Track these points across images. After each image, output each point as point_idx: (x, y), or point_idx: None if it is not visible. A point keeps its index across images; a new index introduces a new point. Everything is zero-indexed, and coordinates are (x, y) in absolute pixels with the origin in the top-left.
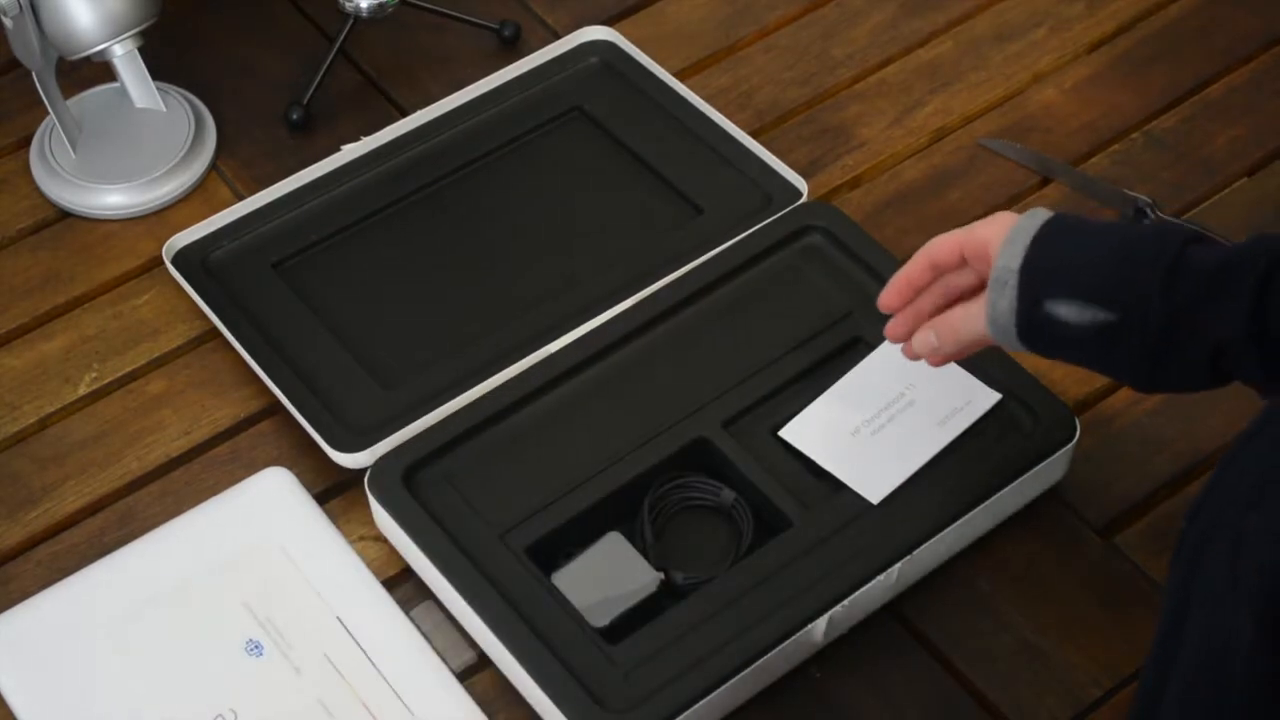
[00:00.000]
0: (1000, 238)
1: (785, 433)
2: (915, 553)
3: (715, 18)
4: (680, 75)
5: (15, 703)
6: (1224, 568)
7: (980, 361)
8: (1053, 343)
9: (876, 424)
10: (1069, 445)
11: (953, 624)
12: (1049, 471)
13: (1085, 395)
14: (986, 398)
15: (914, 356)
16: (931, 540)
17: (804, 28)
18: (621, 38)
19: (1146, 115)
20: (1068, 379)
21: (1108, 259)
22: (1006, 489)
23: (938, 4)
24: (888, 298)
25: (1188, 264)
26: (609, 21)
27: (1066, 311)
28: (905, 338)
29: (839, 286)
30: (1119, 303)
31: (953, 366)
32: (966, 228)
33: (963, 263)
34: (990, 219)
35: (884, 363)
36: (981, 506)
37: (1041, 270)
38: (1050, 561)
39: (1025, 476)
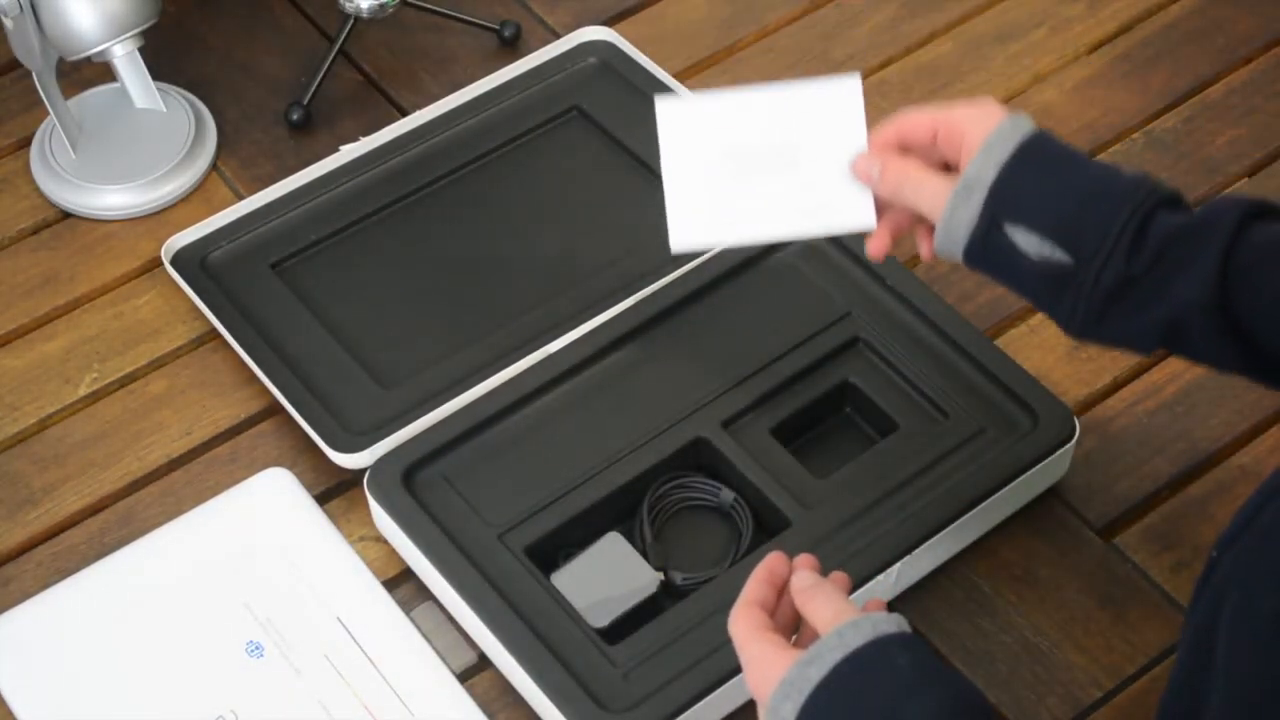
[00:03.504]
0: (978, 130)
1: (661, 103)
2: (915, 553)
3: (715, 18)
4: (680, 75)
5: (15, 703)
6: (1270, 609)
7: (980, 359)
8: (998, 266)
9: (748, 162)
10: (1069, 445)
11: (953, 624)
12: (1049, 471)
13: (1085, 395)
14: (861, 217)
15: (866, 175)
16: (931, 540)
17: (804, 28)
18: (621, 38)
19: (1146, 115)
20: (1068, 379)
21: (1080, 199)
22: (1006, 489)
23: (938, 4)
24: (858, 162)
25: (1156, 228)
26: (609, 22)
27: (1025, 241)
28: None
29: (838, 286)
30: (1079, 250)
31: (849, 163)
32: (944, 106)
33: (932, 142)
34: (971, 103)
35: (802, 103)
36: (981, 506)
37: (1013, 191)
38: (1050, 561)
39: (1025, 476)
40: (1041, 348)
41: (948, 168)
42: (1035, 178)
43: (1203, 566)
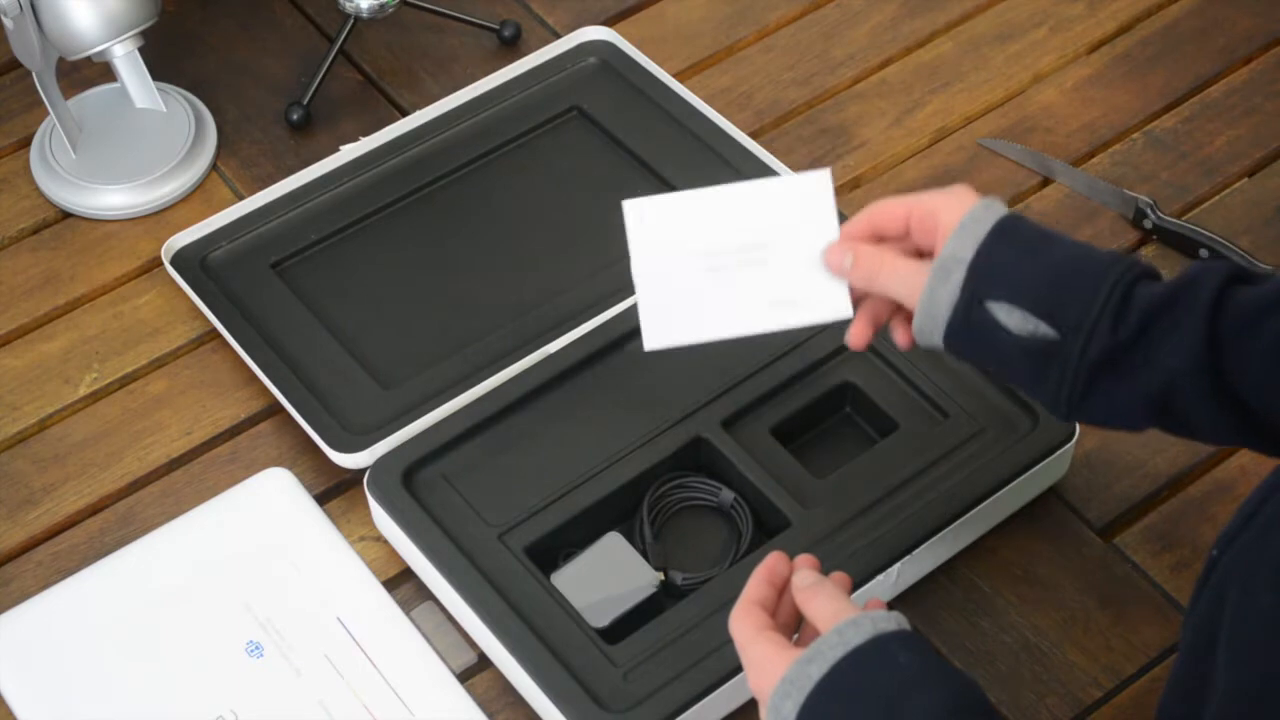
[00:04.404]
0: (952, 214)
1: (628, 205)
2: (915, 553)
3: (715, 18)
4: (680, 75)
5: (15, 703)
6: (1270, 605)
7: None
8: (979, 346)
9: (716, 261)
10: (1069, 445)
11: (953, 625)
12: (1049, 471)
13: None
14: (836, 308)
15: (838, 265)
16: (931, 540)
17: (804, 28)
18: (621, 38)
19: (1146, 115)
20: None
21: (1060, 272)
22: (1006, 489)
23: (938, 4)
24: (830, 253)
25: (1139, 298)
26: (609, 21)
27: (1007, 317)
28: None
29: None
30: (1063, 322)
31: (822, 254)
32: (915, 195)
33: (906, 231)
34: (943, 190)
35: (772, 198)
36: (981, 506)
37: (992, 268)
38: (1050, 562)
39: (1025, 476)
40: None
41: (922, 256)
42: (1014, 254)
43: (1203, 565)
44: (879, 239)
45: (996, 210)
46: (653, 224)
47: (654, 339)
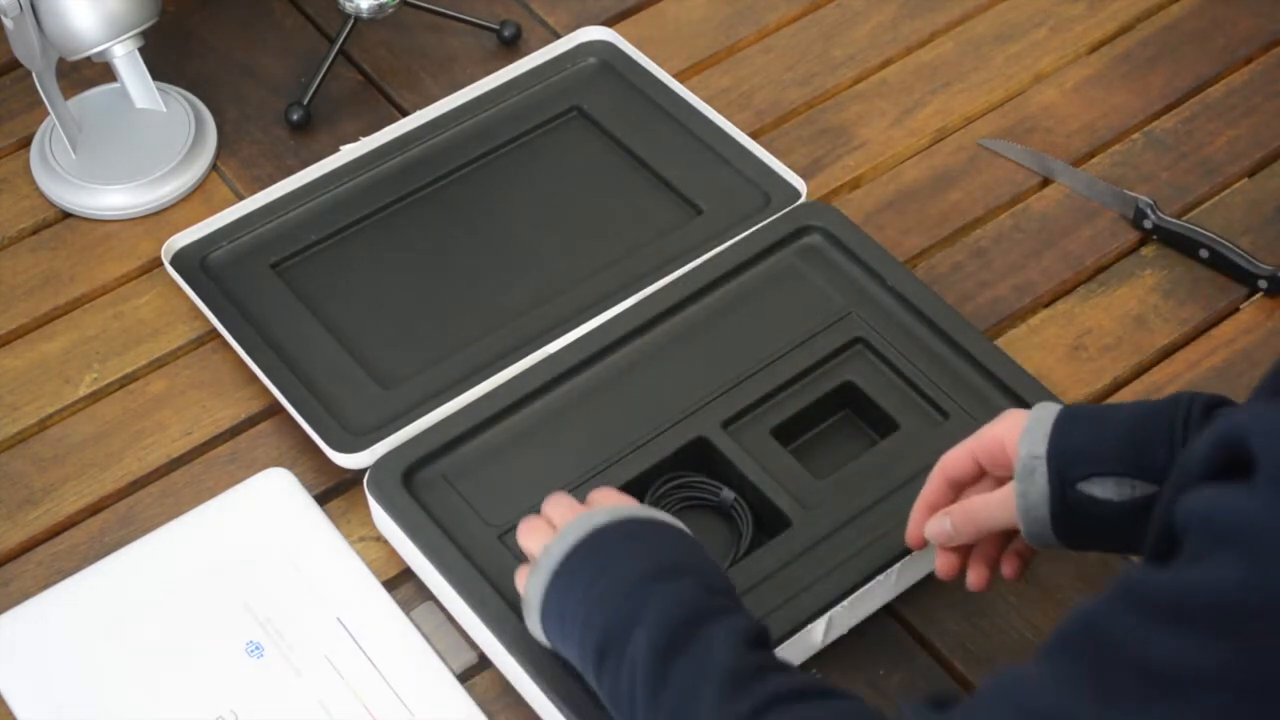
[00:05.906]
0: (1015, 432)
1: None
2: (915, 552)
3: (715, 18)
4: (680, 75)
5: (15, 703)
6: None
7: (980, 359)
8: (1088, 526)
9: None
10: None
11: (953, 625)
12: None
13: (1085, 395)
14: None
15: (922, 545)
16: None
17: (804, 28)
18: (621, 38)
19: (1146, 115)
20: (1068, 379)
21: (1133, 430)
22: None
23: (938, 4)
24: (912, 534)
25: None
26: (609, 22)
27: (1102, 490)
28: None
29: (838, 286)
30: (1153, 470)
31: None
32: (972, 436)
33: (980, 471)
34: (997, 419)
35: None
36: None
37: (1070, 453)
38: (1050, 561)
39: None
40: (1041, 348)
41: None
42: (1084, 433)
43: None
44: (957, 488)
45: (1054, 407)
46: None
47: None
